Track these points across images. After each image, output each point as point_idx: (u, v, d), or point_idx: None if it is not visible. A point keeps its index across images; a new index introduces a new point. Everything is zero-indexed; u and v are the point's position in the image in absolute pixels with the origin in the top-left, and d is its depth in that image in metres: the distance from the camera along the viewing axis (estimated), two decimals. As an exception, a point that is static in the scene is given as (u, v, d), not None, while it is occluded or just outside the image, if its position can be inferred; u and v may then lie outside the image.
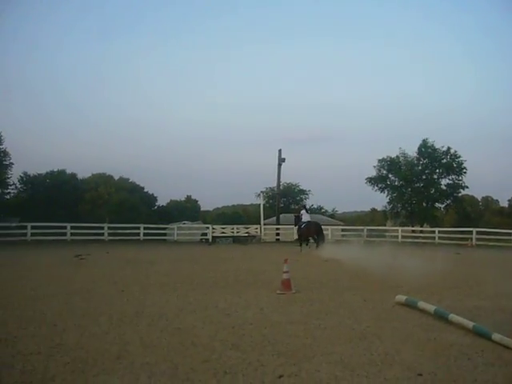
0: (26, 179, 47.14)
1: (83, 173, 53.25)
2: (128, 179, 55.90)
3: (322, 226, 26.28)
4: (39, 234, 28.77)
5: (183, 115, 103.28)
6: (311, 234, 24.74)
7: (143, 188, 55.65)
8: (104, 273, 13.86)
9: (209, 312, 8.35)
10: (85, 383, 4.90)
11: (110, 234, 31.54)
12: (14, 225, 32.66)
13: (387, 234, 37.16)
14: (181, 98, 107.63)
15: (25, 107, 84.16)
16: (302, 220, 25.32)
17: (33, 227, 29.46)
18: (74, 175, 50.51)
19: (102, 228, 31.49)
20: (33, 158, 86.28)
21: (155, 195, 56.99)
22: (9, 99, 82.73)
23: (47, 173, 48.17)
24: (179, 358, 5.71)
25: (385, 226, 48.11)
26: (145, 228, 32.69)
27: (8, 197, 44.85)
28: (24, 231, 29.71)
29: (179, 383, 4.89)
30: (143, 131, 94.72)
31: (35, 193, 45.97)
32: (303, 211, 26.48)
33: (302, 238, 24.71)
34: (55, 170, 48.73)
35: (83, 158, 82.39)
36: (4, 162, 41.19)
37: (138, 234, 31.70)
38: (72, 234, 30.25)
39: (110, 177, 55.20)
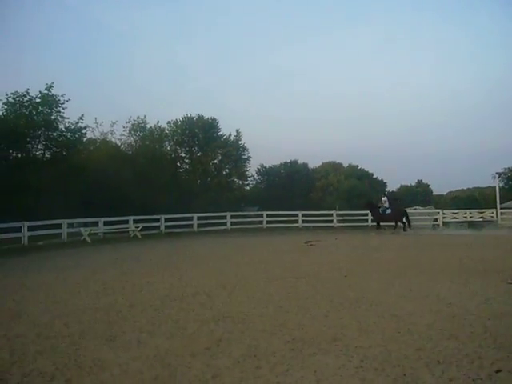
0: (263, 171, 50.99)
1: (314, 162, 55.68)
2: (357, 166, 56.52)
3: None
4: (274, 221, 30.96)
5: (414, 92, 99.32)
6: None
7: (372, 174, 55.68)
8: (329, 259, 14.37)
9: (429, 300, 8.17)
10: (301, 361, 5.29)
11: (338, 221, 32.41)
12: (252, 213, 35.70)
13: None
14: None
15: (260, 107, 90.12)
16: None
17: (268, 215, 31.90)
18: (305, 165, 52.89)
19: (331, 215, 32.50)
20: (268, 151, 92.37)
21: (384, 181, 56.58)
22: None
23: (281, 164, 51.39)
24: (393, 344, 5.77)
25: None
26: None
27: (248, 188, 49.09)
28: (260, 219, 32.39)
29: (390, 368, 4.97)
30: (371, 118, 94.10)
31: (271, 183, 49.47)
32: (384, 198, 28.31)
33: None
34: (288, 160, 51.68)
35: (314, 149, 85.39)
36: (243, 156, 45.18)
37: (366, 221, 31.91)
38: (303, 222, 31.92)
39: (339, 164, 56.45)
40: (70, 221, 22.56)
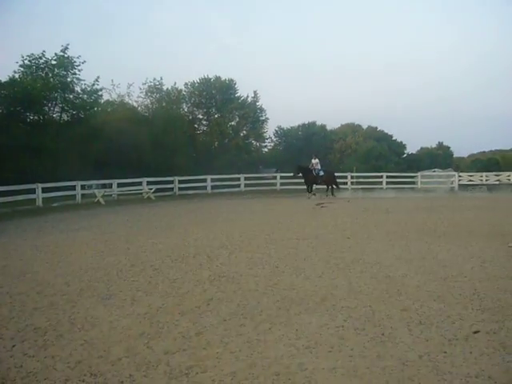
0: (280, 132, 50.74)
1: (332, 124, 55.09)
2: (376, 128, 55.81)
3: None
4: (288, 183, 30.95)
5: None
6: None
7: (391, 136, 54.94)
8: (336, 221, 14.43)
9: (426, 262, 8.23)
10: (286, 319, 5.43)
11: (352, 183, 32.30)
12: (268, 175, 35.75)
13: None
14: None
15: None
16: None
17: (281, 177, 31.96)
18: (323, 126, 52.40)
19: (346, 177, 32.37)
20: (286, 113, 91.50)
21: (404, 143, 55.83)
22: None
23: (299, 125, 51.04)
24: (380, 304, 5.88)
25: None
26: (387, 176, 32.53)
27: (265, 150, 48.98)
28: (274, 181, 32.49)
29: (370, 328, 5.08)
30: (393, 78, 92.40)
31: (289, 145, 49.26)
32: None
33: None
34: (306, 122, 51.28)
35: (332, 110, 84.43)
36: (261, 118, 44.97)
37: (381, 183, 31.75)
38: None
39: (359, 126, 55.76)
40: (83, 182, 22.86)
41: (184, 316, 5.63)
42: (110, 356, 4.52)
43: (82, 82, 31.72)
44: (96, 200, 22.16)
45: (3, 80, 28.85)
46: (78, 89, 31.76)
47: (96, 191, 22.47)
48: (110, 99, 37.33)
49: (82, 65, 31.19)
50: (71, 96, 31.46)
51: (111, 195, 24.42)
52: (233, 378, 4.02)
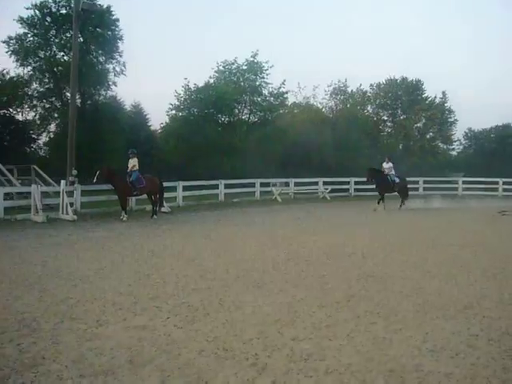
0: (471, 135, 47.57)
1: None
2: None
3: None
4: (473, 188, 29.03)
5: None
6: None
7: None
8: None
9: None
10: (420, 323, 5.40)
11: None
12: (452, 179, 33.86)
13: None
14: None
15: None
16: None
17: (464, 182, 30.16)
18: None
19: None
20: (477, 114, 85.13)
21: None
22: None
23: (491, 127, 47.33)
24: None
25: None
26: None
27: (454, 153, 46.40)
28: (456, 185, 30.76)
29: (507, 341, 4.84)
30: None
31: (480, 148, 45.96)
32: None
33: None
34: (500, 124, 47.35)
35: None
36: (449, 119, 42.85)
37: None
38: (504, 190, 29.47)
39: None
40: (262, 180, 24.12)
41: (321, 309, 5.89)
42: (243, 336, 4.99)
43: (270, 86, 33.57)
44: (273, 198, 23.31)
45: (200, 85, 31.84)
46: (265, 92, 33.70)
47: (274, 189, 23.59)
48: (296, 101, 38.76)
49: (270, 69, 33.00)
50: (259, 99, 33.50)
51: (288, 193, 25.39)
52: (347, 368, 4.19)
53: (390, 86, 43.10)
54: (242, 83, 32.88)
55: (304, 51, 73.41)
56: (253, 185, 23.86)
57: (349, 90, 40.34)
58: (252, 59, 32.59)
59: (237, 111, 33.53)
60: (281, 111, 35.47)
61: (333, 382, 3.94)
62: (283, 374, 4.10)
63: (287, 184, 25.93)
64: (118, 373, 4.08)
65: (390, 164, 21.46)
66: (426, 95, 42.98)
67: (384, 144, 41.48)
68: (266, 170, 26.12)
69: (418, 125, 43.26)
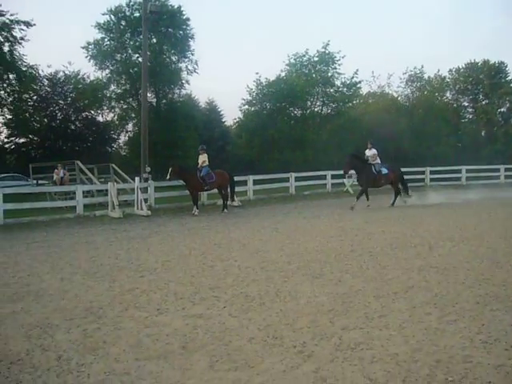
0: None
1: None
2: None
3: None
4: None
5: None
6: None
7: None
8: None
9: None
10: (477, 314, 5.26)
11: None
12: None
13: None
14: None
15: None
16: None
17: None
18: None
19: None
20: None
21: None
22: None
23: None
24: None
25: None
26: None
27: None
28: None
29: None
30: None
31: None
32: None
33: None
34: None
35: None
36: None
37: None
38: None
39: None
40: (334, 172, 23.80)
41: (377, 299, 5.87)
42: (294, 324, 5.08)
43: (342, 76, 33.19)
44: (345, 189, 23.06)
45: (271, 79, 32.02)
46: (338, 83, 33.37)
47: (345, 181, 23.27)
48: (371, 90, 38.12)
49: (342, 59, 32.62)
50: (332, 90, 33.21)
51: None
52: (393, 357, 4.18)
53: (471, 70, 41.44)
54: (314, 75, 32.76)
55: (378, 38, 72.13)
56: (324, 177, 23.70)
57: (425, 76, 39.11)
58: (323, 50, 32.41)
59: (309, 103, 33.43)
60: (354, 101, 34.97)
61: (377, 371, 3.94)
62: (328, 361, 4.15)
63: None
64: (169, 357, 4.31)
65: (374, 150, 17.30)
66: (510, 78, 40.93)
67: (465, 131, 39.98)
68: (340, 161, 25.79)
69: (502, 109, 41.49)
